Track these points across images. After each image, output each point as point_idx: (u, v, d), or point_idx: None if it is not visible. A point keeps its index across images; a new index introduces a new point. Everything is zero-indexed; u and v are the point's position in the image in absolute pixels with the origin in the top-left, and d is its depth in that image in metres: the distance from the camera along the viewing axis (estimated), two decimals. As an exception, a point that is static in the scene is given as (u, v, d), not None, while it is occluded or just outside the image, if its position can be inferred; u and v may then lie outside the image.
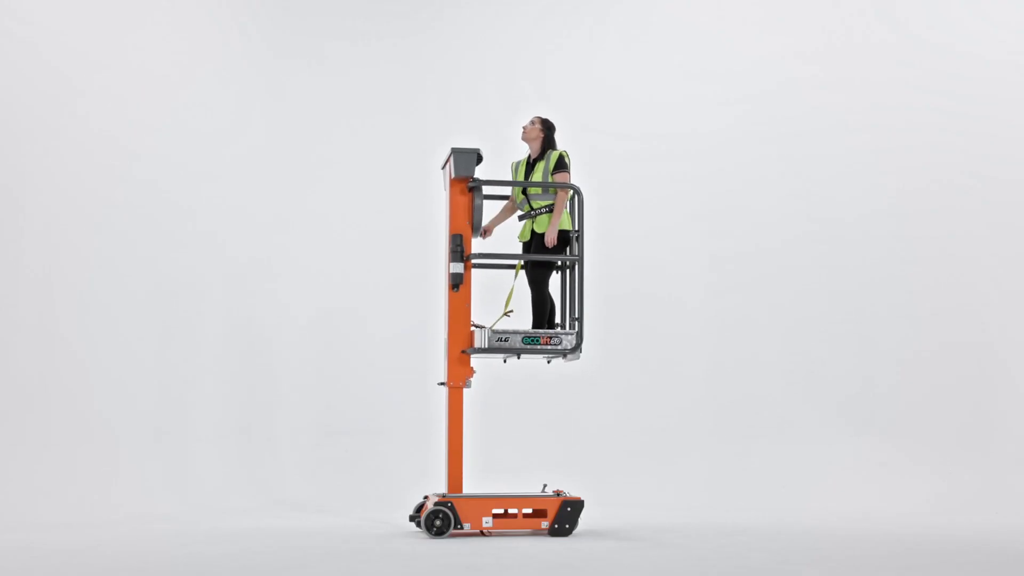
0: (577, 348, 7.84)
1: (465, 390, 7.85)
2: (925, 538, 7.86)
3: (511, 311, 7.98)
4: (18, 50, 9.80)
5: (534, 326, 7.96)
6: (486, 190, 8.03)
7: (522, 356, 7.90)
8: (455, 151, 7.77)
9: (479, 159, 7.77)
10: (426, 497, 8.06)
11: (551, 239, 7.78)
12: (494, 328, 7.77)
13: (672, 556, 6.84)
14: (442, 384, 7.96)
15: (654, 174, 11.03)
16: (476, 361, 7.95)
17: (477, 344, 7.72)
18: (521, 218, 8.09)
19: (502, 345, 7.72)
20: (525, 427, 10.51)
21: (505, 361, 8.19)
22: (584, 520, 7.99)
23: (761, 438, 10.47)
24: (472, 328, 7.76)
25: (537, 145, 7.97)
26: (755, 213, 10.97)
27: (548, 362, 8.29)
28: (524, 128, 8.03)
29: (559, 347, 7.82)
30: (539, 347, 7.79)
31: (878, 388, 10.62)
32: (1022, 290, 10.71)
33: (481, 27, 11.20)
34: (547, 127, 7.99)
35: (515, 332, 7.76)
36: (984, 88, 10.88)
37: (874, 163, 10.94)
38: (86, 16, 10.13)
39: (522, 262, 8.01)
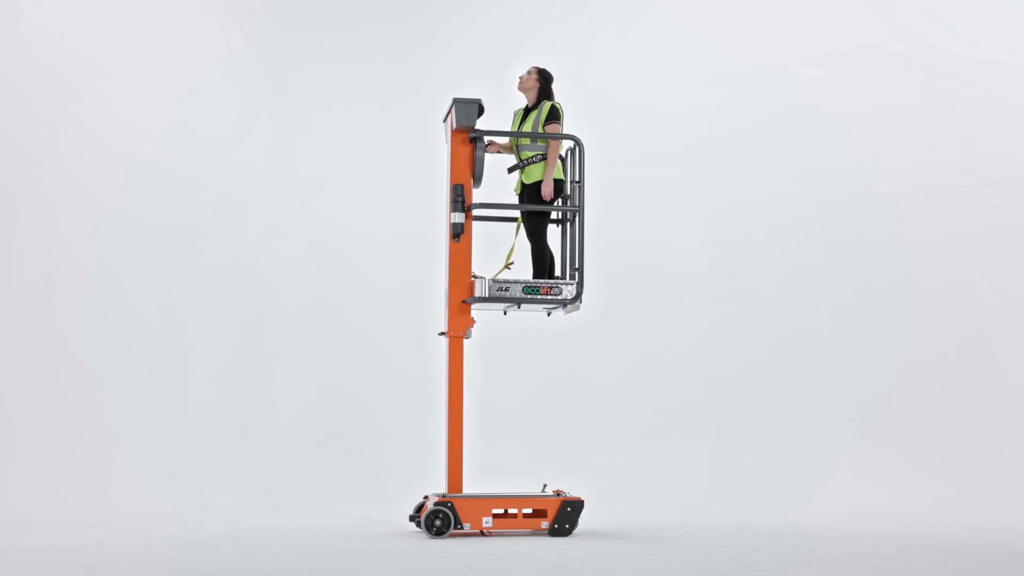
0: (577, 298, 7.80)
1: (466, 393, 7.88)
2: (924, 538, 7.86)
3: (512, 263, 7.99)
4: (18, 52, 9.77)
5: (534, 278, 7.93)
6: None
7: (523, 307, 7.88)
8: (457, 101, 7.75)
9: (480, 110, 7.76)
10: (426, 497, 8.06)
11: (547, 191, 7.73)
12: (495, 278, 7.77)
13: (672, 556, 6.84)
14: (442, 334, 7.96)
15: (656, 177, 10.99)
16: (477, 322, 7.94)
17: (478, 294, 7.73)
18: (510, 170, 8.03)
19: (502, 295, 7.71)
20: (525, 427, 10.51)
21: (505, 313, 8.16)
22: (584, 520, 8.00)
23: (761, 439, 10.47)
24: (472, 278, 7.77)
25: (533, 95, 7.93)
26: (756, 216, 10.96)
27: (548, 314, 8.30)
28: (520, 78, 7.99)
29: (559, 297, 7.80)
30: (539, 297, 7.78)
31: (878, 390, 10.62)
32: (1020, 293, 10.72)
33: (481, 25, 11.19)
34: (543, 76, 7.92)
35: (515, 282, 7.76)
36: (985, 91, 10.89)
37: (877, 166, 10.92)
38: (85, 20, 10.11)
39: (520, 217, 7.96)
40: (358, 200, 10.84)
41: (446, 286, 7.89)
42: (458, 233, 7.74)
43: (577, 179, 7.89)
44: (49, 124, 9.80)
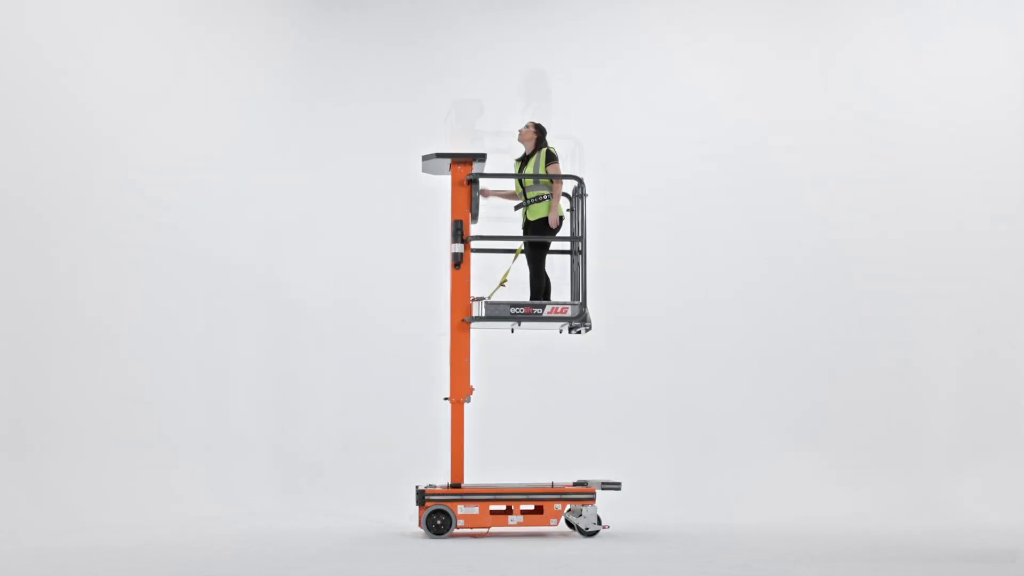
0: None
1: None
2: (925, 538, 7.90)
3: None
4: (17, 52, 9.74)
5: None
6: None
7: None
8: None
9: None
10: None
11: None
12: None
13: (672, 556, 6.84)
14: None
15: (654, 190, 10.93)
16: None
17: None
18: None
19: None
20: (526, 427, 10.51)
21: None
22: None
23: (762, 439, 10.46)
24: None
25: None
26: (743, 245, 10.91)
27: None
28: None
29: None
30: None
31: (878, 391, 10.61)
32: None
33: (485, 41, 11.18)
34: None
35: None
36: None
37: (871, 191, 10.89)
38: (87, 21, 10.09)
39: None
40: (362, 210, 10.87)
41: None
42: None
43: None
44: (55, 130, 9.76)
